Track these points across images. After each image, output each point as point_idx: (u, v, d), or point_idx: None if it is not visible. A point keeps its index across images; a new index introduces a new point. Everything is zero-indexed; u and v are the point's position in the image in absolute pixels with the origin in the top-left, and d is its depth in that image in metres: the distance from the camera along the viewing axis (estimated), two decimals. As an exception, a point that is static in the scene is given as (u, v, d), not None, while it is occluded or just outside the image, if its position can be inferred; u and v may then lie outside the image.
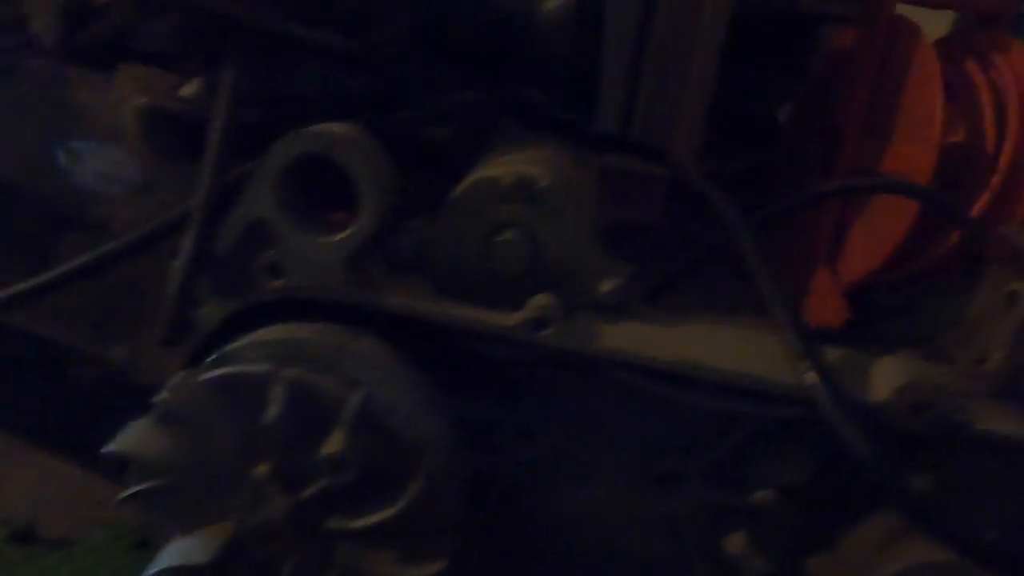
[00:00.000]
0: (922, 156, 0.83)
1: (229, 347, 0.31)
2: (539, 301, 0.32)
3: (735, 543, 0.38)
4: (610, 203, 0.96)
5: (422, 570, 0.30)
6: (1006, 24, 0.93)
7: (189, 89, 0.36)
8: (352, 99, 0.35)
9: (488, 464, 0.40)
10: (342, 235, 0.31)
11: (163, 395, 0.30)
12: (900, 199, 0.76)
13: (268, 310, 0.32)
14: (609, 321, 0.33)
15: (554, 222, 0.33)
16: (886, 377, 0.32)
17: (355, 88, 0.37)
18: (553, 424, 0.39)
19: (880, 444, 0.31)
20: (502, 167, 0.33)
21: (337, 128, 0.30)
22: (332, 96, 0.34)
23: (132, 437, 0.30)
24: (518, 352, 0.33)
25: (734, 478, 0.37)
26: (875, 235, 0.87)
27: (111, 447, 0.30)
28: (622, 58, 0.77)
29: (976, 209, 0.70)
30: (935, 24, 1.02)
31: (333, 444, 0.28)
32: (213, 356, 0.31)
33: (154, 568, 0.29)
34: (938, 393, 0.31)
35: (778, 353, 0.33)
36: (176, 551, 0.29)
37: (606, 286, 0.34)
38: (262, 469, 0.29)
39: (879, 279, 0.77)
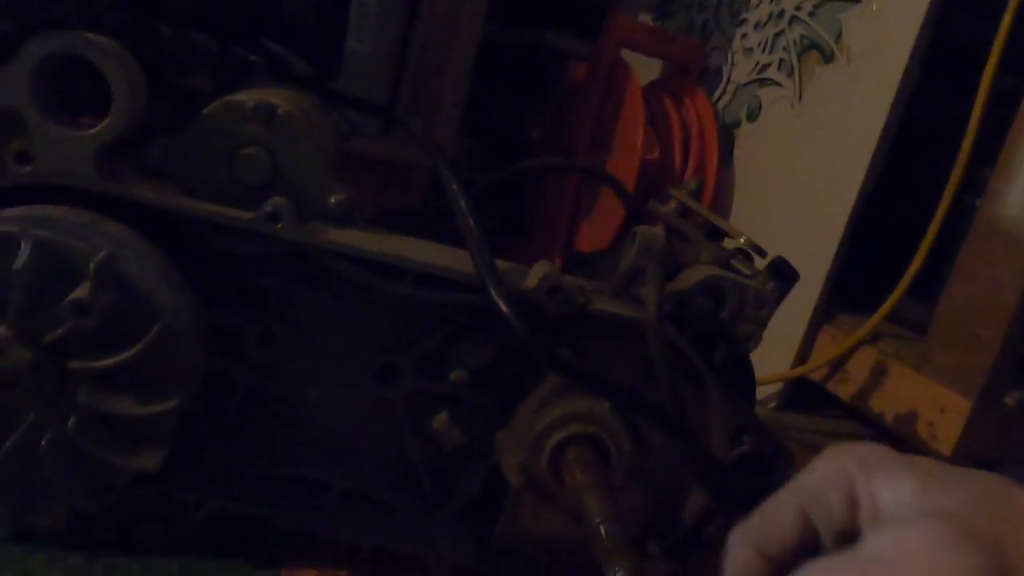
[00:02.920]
0: (629, 168, 1.03)
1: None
2: (275, 200, 0.39)
3: (438, 422, 0.47)
4: (375, 191, 1.06)
5: (155, 408, 0.35)
6: (694, 74, 1.19)
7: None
8: (107, 32, 0.40)
9: (233, 368, 0.46)
10: (93, 130, 0.36)
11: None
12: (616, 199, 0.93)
13: (16, 199, 0.35)
14: (334, 225, 0.42)
15: (290, 145, 0.41)
16: (535, 274, 0.43)
17: (112, 23, 0.42)
18: (291, 329, 0.46)
19: (533, 323, 0.42)
20: (247, 94, 0.40)
21: (92, 35, 0.35)
22: (87, 27, 0.39)
23: None
24: (255, 245, 0.40)
25: (439, 366, 0.47)
26: (601, 222, 1.05)
27: None
28: (389, 47, 0.87)
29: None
30: (651, 68, 1.26)
31: (79, 292, 0.33)
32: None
33: None
34: (569, 283, 0.43)
35: (468, 258, 0.43)
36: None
37: (333, 199, 0.42)
38: (6, 324, 0.32)
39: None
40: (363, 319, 0.46)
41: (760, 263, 0.53)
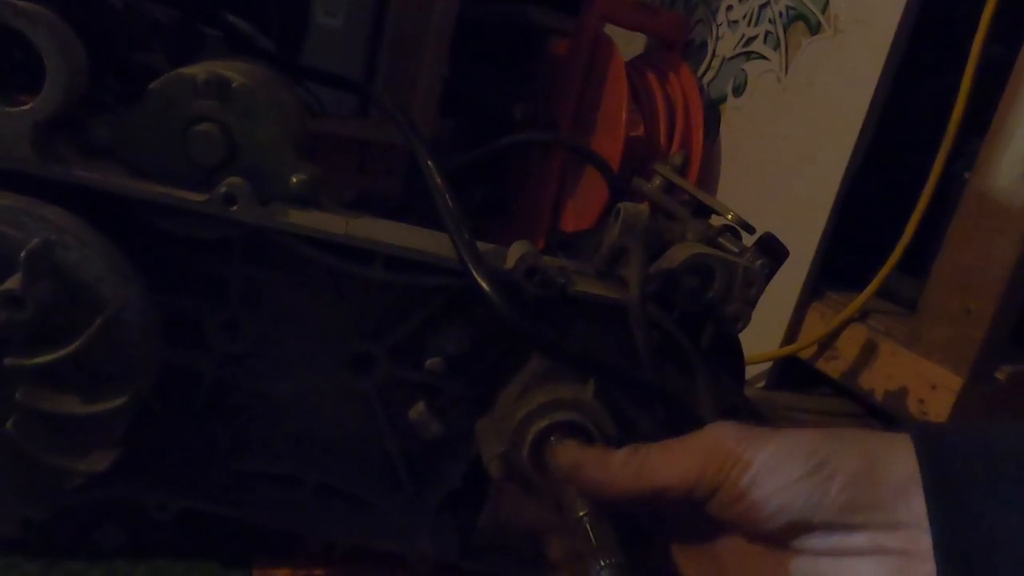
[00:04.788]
0: (613, 145, 1.01)
1: None
2: (231, 181, 0.36)
3: (415, 412, 0.45)
4: (353, 173, 1.02)
5: (103, 406, 0.33)
6: (679, 50, 1.16)
7: None
8: (51, 3, 0.37)
9: (196, 360, 0.43)
10: (26, 106, 0.33)
11: None
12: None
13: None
14: (296, 207, 0.39)
15: (247, 121, 0.38)
16: (513, 255, 0.41)
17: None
18: (256, 319, 0.43)
19: (515, 305, 0.39)
20: (200, 67, 0.37)
21: (22, 3, 0.32)
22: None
23: None
24: (212, 229, 0.37)
25: (414, 354, 0.45)
26: (587, 201, 1.02)
27: None
28: (362, 23, 0.83)
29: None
30: (634, 43, 1.23)
31: (10, 283, 0.30)
32: None
33: None
34: (547, 263, 0.41)
35: (445, 241, 0.41)
36: None
37: (295, 179, 0.39)
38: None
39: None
40: (333, 306, 0.43)
41: (748, 240, 0.51)
